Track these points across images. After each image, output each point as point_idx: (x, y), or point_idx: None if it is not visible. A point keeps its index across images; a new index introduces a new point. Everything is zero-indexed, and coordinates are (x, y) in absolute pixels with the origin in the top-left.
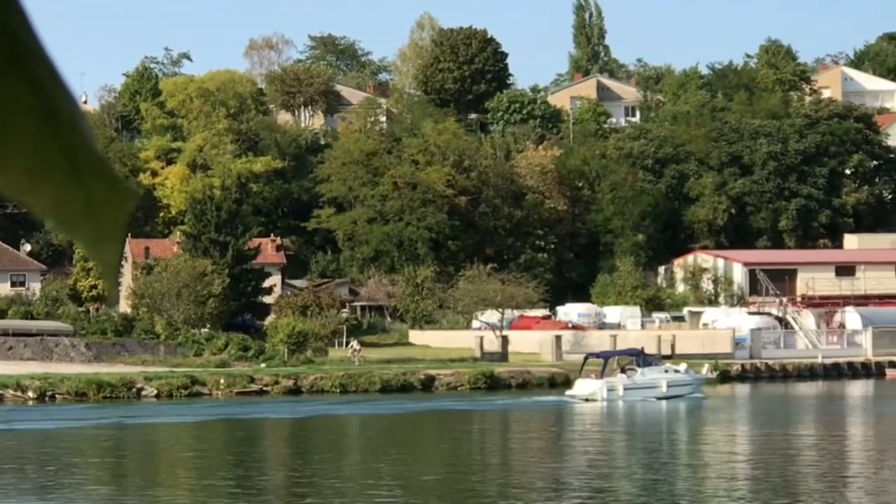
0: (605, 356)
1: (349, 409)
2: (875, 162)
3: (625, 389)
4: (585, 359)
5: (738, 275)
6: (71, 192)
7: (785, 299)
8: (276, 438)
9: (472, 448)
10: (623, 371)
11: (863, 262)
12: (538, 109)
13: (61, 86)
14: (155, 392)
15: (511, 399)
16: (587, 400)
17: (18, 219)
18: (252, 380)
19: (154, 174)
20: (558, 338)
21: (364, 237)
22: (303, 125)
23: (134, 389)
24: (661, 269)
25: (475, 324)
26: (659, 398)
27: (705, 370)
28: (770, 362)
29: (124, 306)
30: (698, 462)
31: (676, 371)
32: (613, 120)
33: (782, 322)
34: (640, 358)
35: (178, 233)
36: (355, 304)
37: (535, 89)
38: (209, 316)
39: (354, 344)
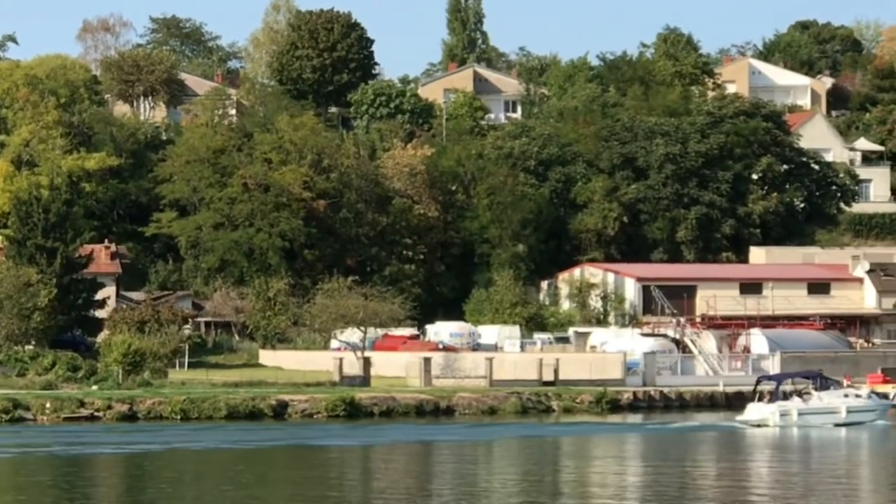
0: (779, 378)
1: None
2: (785, 166)
3: (799, 415)
4: (758, 381)
5: (631, 291)
6: None
7: (683, 319)
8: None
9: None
10: (799, 395)
11: (770, 278)
12: (407, 103)
13: None
14: None
15: (672, 423)
16: (758, 426)
17: None
18: (82, 404)
19: None
20: (427, 360)
21: (209, 244)
22: (142, 118)
23: None
24: (544, 284)
25: (334, 343)
26: (837, 425)
27: (893, 395)
28: (665, 390)
29: None
30: None
31: (858, 396)
32: (492, 115)
33: (679, 345)
34: (818, 381)
35: (1, 237)
36: (199, 319)
37: (404, 80)
38: (34, 331)
39: None
